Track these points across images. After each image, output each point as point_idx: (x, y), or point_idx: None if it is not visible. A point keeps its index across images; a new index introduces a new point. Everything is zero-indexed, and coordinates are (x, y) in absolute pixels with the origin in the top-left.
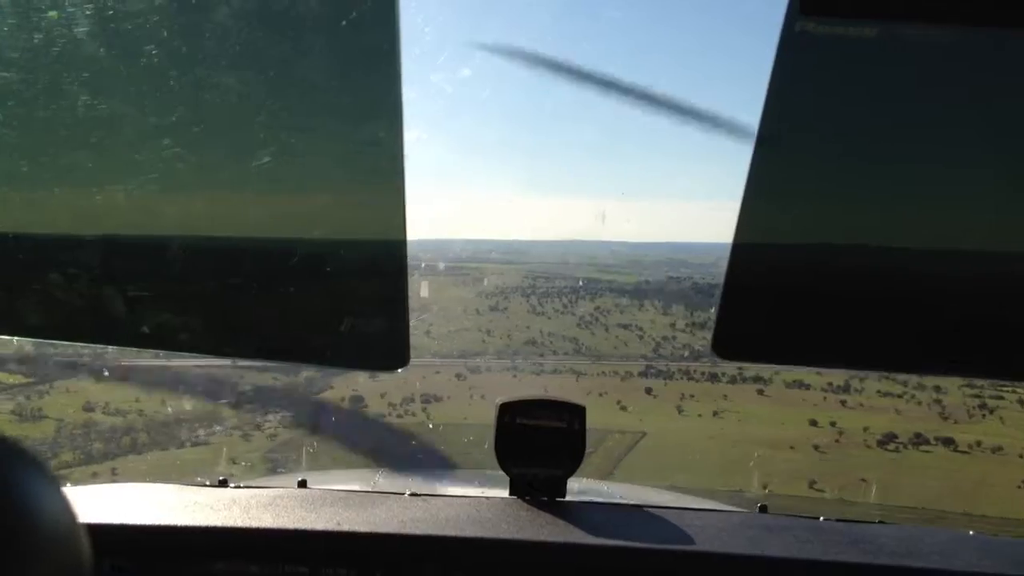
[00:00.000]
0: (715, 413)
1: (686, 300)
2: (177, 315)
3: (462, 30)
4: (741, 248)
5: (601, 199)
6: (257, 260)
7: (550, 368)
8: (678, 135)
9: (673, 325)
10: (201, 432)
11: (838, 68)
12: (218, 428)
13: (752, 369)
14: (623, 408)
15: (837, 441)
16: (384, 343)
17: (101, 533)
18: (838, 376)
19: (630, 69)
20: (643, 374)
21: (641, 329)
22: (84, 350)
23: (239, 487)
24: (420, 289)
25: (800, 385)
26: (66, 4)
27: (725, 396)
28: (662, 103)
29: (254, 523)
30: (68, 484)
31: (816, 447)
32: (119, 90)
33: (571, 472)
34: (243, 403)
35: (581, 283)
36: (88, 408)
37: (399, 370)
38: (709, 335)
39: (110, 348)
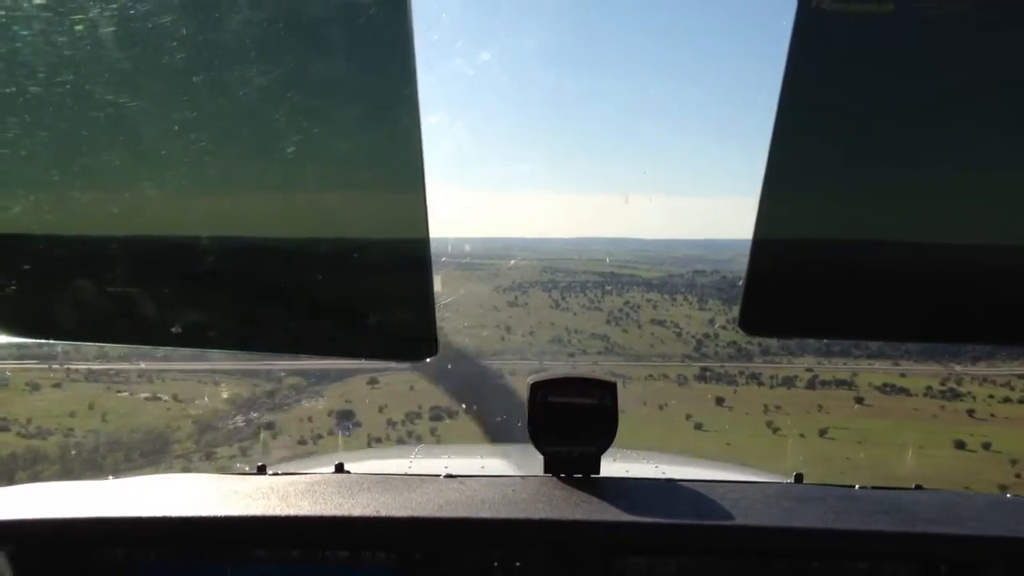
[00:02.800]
0: (822, 433)
1: (722, 295)
2: (209, 312)
3: (478, 16)
4: (767, 208)
5: (613, 196)
6: (283, 257)
7: (585, 370)
8: (690, 131)
9: (712, 321)
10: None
11: (851, 57)
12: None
13: (830, 370)
14: (698, 427)
15: (1019, 476)
16: (414, 332)
17: (143, 525)
18: (932, 378)
19: (645, 65)
20: (700, 378)
21: (678, 326)
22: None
23: (277, 474)
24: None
25: (896, 389)
26: (89, 8)
27: (820, 407)
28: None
29: (293, 510)
30: (110, 477)
31: (1003, 488)
32: (141, 92)
33: (604, 449)
34: (200, 422)
35: (603, 277)
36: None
37: (428, 359)
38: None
39: (107, 348)
